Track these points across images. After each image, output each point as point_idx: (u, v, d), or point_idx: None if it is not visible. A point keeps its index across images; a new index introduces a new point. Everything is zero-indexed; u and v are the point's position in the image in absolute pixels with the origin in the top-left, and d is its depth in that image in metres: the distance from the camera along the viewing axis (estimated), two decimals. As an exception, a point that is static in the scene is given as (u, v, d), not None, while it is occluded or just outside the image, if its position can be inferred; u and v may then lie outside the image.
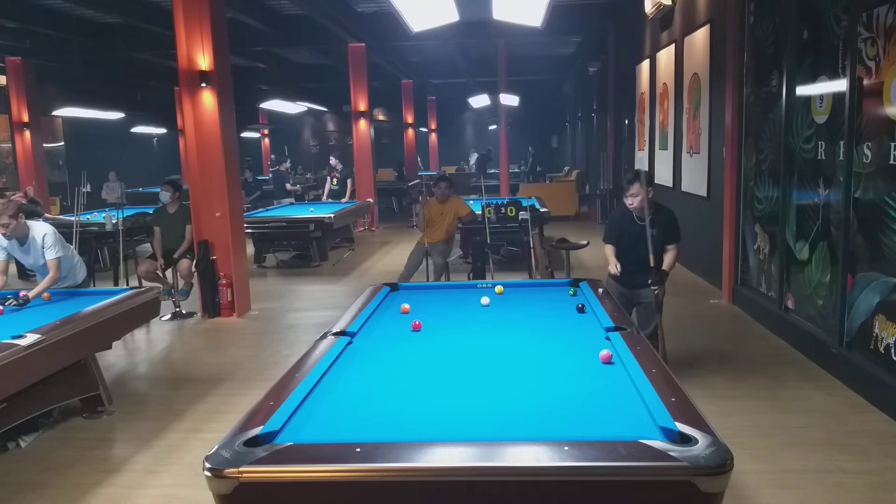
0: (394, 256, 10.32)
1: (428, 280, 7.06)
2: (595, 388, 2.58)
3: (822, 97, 4.91)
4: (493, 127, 21.76)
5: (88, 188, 11.78)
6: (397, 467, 1.92)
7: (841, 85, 4.59)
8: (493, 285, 4.40)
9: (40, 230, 4.68)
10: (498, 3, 5.73)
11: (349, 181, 12.87)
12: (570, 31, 14.24)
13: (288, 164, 11.61)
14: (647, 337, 3.79)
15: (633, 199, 4.36)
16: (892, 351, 3.99)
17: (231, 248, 6.86)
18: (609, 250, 4.54)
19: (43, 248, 4.63)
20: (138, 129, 17.94)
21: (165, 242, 7.05)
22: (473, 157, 22.28)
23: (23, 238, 4.66)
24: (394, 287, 4.47)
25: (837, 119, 4.66)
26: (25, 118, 13.09)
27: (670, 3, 8.67)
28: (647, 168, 10.41)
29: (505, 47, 15.05)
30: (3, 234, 4.58)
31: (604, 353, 2.83)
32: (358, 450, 1.97)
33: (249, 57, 15.68)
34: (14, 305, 4.36)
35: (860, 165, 4.32)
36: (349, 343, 3.18)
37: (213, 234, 6.83)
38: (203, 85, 6.57)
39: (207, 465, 1.92)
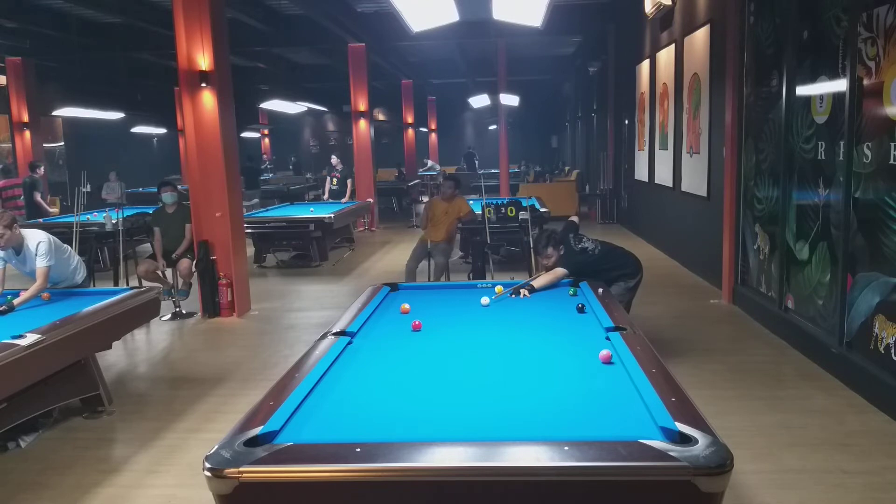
0: (394, 256, 10.32)
1: (429, 280, 7.07)
2: (595, 388, 2.58)
3: (822, 97, 4.91)
4: (493, 127, 21.78)
5: (88, 188, 11.76)
6: (397, 467, 1.92)
7: (841, 85, 4.59)
8: (493, 285, 4.41)
9: (34, 238, 4.62)
10: (498, 3, 5.74)
11: (349, 181, 12.87)
12: (570, 31, 14.25)
13: (42, 171, 11.30)
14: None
15: (548, 261, 4.73)
16: (892, 351, 3.99)
17: (231, 248, 6.86)
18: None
19: (35, 255, 4.57)
20: (138, 129, 17.93)
21: (165, 242, 7.04)
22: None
23: (18, 247, 4.63)
24: (394, 287, 4.48)
25: (837, 119, 4.66)
26: (25, 118, 13.09)
27: (670, 3, 8.67)
28: (647, 168, 10.42)
29: (505, 47, 15.05)
30: (0, 246, 4.54)
31: (604, 353, 2.83)
32: (358, 450, 1.97)
33: (249, 57, 15.69)
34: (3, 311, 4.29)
35: (860, 165, 4.32)
36: (349, 343, 3.18)
37: (213, 234, 6.83)
38: (203, 85, 6.57)
39: (207, 465, 1.93)
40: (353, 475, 1.92)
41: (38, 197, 10.90)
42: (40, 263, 4.55)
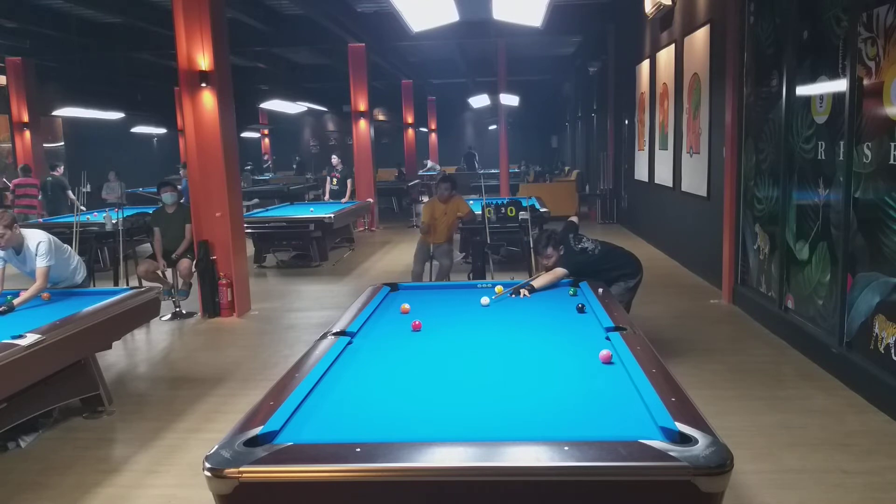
0: (394, 256, 10.32)
1: (431, 281, 7.06)
2: (595, 388, 2.58)
3: (822, 97, 4.91)
4: (493, 127, 21.79)
5: (88, 188, 11.87)
6: (397, 467, 1.92)
7: (841, 85, 4.59)
8: (493, 285, 4.41)
9: (35, 238, 4.62)
10: (498, 3, 5.74)
11: (349, 181, 12.87)
12: (570, 31, 14.25)
13: (61, 170, 11.92)
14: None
15: (548, 261, 4.73)
16: (892, 351, 3.99)
17: (231, 248, 6.86)
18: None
19: (35, 255, 4.57)
20: (138, 129, 17.94)
21: (165, 243, 7.05)
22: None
23: (19, 247, 4.63)
24: (394, 287, 4.48)
25: (837, 119, 4.66)
26: (25, 118, 13.10)
27: (670, 3, 8.67)
28: (647, 168, 10.42)
29: (505, 47, 15.05)
30: (0, 246, 4.53)
31: (604, 353, 2.83)
32: (358, 450, 1.97)
33: (249, 57, 15.69)
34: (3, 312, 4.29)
35: (860, 165, 4.32)
36: (349, 343, 3.18)
37: (213, 234, 6.82)
38: (203, 85, 6.57)
39: (207, 465, 1.93)
40: (353, 475, 1.92)
41: (72, 195, 11.22)
42: (40, 263, 4.55)
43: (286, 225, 9.63)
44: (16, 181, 11.30)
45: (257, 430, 2.11)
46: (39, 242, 4.59)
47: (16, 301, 4.36)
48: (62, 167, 12.03)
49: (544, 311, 3.87)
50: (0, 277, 4.63)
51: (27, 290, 4.49)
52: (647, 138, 10.45)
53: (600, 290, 4.13)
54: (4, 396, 3.43)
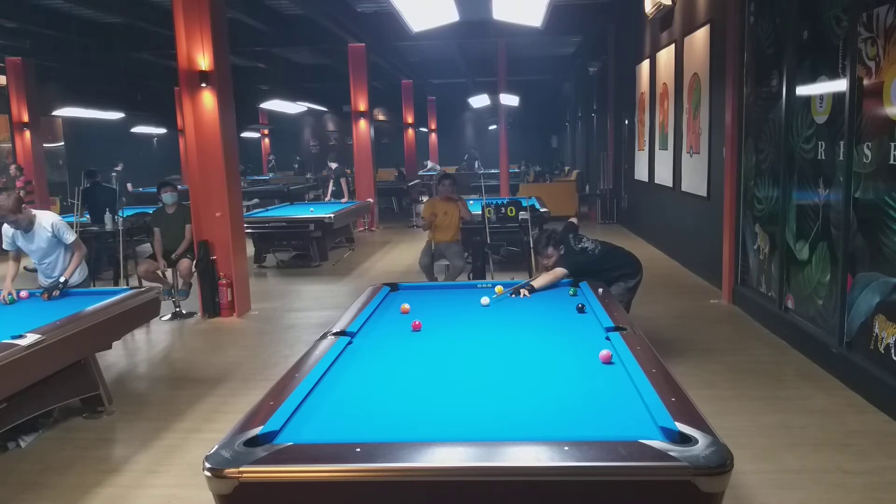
0: (394, 256, 10.32)
1: (445, 280, 7.05)
2: (595, 388, 2.58)
3: (822, 97, 4.91)
4: (493, 127, 21.78)
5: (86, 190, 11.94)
6: (397, 467, 1.92)
7: (841, 85, 4.59)
8: (493, 285, 4.41)
9: (48, 218, 4.83)
10: (498, 3, 5.74)
11: (343, 180, 12.84)
12: (570, 31, 14.24)
13: (121, 167, 12.52)
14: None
15: (548, 261, 4.78)
16: (892, 351, 3.99)
17: (231, 248, 6.86)
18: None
19: (57, 235, 4.80)
20: (138, 129, 17.92)
21: (165, 243, 7.05)
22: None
23: (28, 226, 4.78)
24: (394, 287, 4.49)
25: (837, 119, 4.66)
26: (25, 118, 13.09)
27: (670, 3, 8.67)
28: (647, 168, 10.42)
29: (505, 47, 15.05)
30: (12, 225, 4.74)
31: (604, 353, 2.83)
32: (358, 450, 1.97)
33: (249, 57, 15.68)
34: (57, 295, 4.66)
35: (860, 165, 4.32)
36: (349, 343, 3.19)
37: (213, 234, 6.82)
38: (203, 85, 6.56)
39: (207, 465, 1.93)
40: (353, 475, 1.92)
41: (130, 188, 12.17)
42: (70, 239, 4.85)
43: (286, 225, 9.64)
44: (24, 178, 11.49)
45: (257, 430, 2.11)
46: (54, 222, 4.82)
47: (66, 275, 4.76)
48: (121, 165, 12.37)
49: (544, 311, 3.87)
50: (16, 258, 4.92)
51: (70, 264, 4.85)
52: (647, 138, 10.45)
53: (600, 290, 4.13)
54: (4, 396, 3.43)
